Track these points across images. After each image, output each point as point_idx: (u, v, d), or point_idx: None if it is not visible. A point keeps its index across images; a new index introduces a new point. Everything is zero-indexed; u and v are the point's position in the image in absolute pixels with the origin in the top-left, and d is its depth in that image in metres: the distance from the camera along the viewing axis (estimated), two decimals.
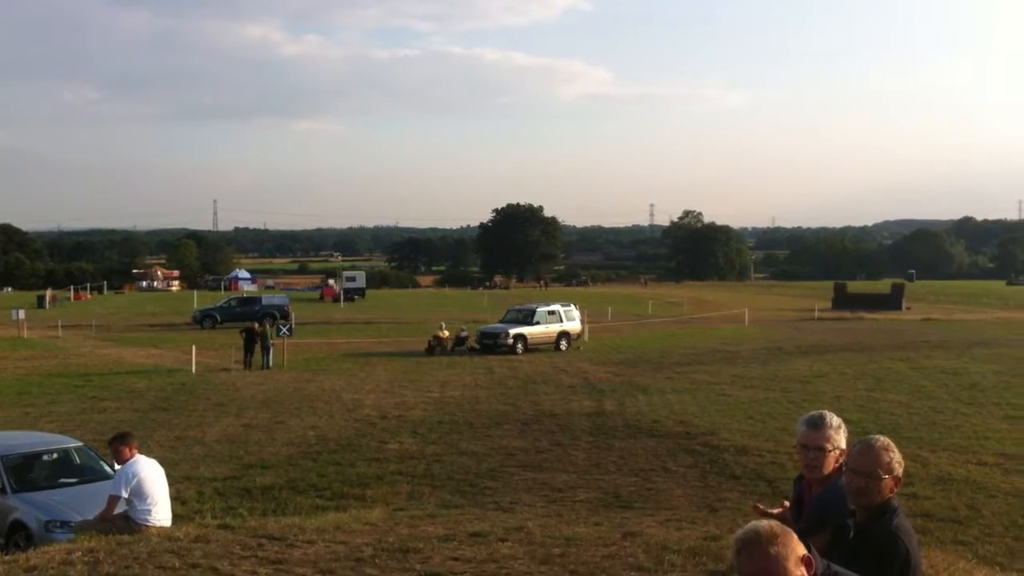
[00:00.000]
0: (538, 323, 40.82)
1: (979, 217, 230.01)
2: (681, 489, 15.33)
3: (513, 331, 39.74)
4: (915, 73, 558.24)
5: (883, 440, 4.07)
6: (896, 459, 4.01)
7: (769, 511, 4.66)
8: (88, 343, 43.83)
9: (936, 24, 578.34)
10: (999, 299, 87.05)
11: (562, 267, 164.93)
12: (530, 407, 24.24)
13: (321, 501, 14.85)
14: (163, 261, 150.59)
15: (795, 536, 2.97)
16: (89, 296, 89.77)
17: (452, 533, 10.20)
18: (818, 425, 4.55)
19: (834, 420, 4.57)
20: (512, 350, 38.79)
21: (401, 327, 53.41)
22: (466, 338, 41.21)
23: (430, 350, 39.22)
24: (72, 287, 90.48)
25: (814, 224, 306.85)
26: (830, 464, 4.49)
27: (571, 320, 42.36)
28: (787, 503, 4.93)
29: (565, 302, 45.94)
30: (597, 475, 16.43)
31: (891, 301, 73.36)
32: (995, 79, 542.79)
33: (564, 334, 41.25)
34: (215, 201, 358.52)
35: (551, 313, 41.90)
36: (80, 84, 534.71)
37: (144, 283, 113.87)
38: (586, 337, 43.72)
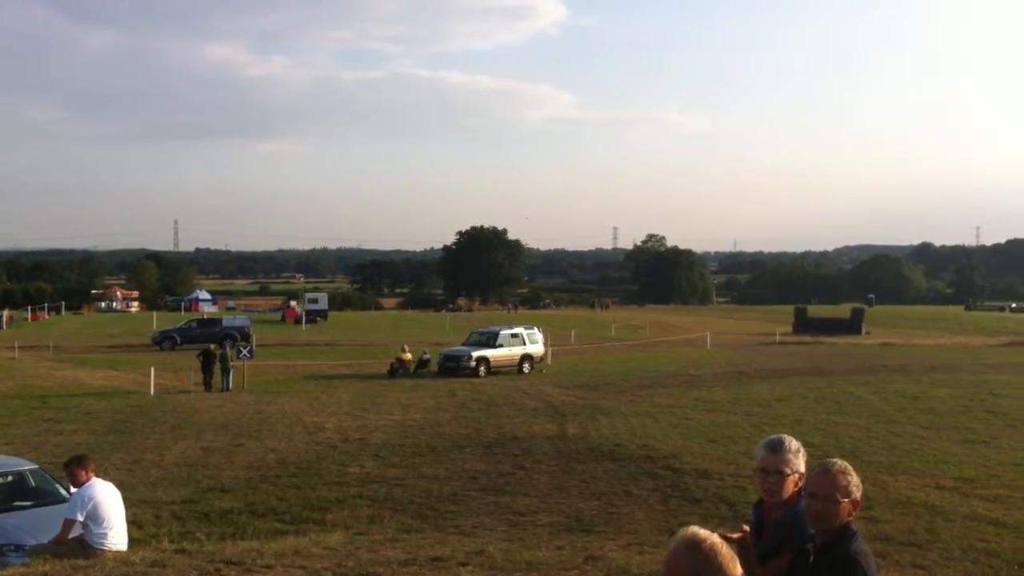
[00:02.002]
0: (501, 346, 40.79)
1: (937, 243, 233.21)
2: (643, 513, 15.33)
3: (476, 354, 39.69)
4: (874, 101, 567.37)
5: (841, 464, 4.09)
6: (854, 483, 4.03)
7: (729, 536, 4.66)
8: (45, 364, 43.23)
9: (896, 52, 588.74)
10: (957, 324, 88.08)
11: (525, 290, 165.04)
12: (493, 430, 24.17)
13: (280, 525, 14.68)
14: (123, 281, 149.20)
15: (737, 564, 2.96)
16: (47, 316, 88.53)
17: (413, 557, 10.13)
18: (777, 449, 4.57)
19: (793, 444, 4.59)
20: (475, 373, 38.73)
21: (363, 349, 53.15)
22: (428, 361, 41.11)
23: (392, 373, 39.09)
24: (29, 307, 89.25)
25: (775, 249, 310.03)
26: (789, 488, 4.51)
27: (534, 343, 42.38)
28: (747, 527, 4.93)
29: (528, 325, 45.98)
30: (559, 499, 16.39)
31: (851, 326, 74.02)
32: (954, 107, 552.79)
33: (527, 357, 41.25)
34: (176, 221, 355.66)
35: (514, 336, 41.89)
36: (43, 102, 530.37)
37: (103, 304, 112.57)
38: (549, 360, 43.72)
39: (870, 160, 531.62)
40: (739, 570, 2.96)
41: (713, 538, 2.96)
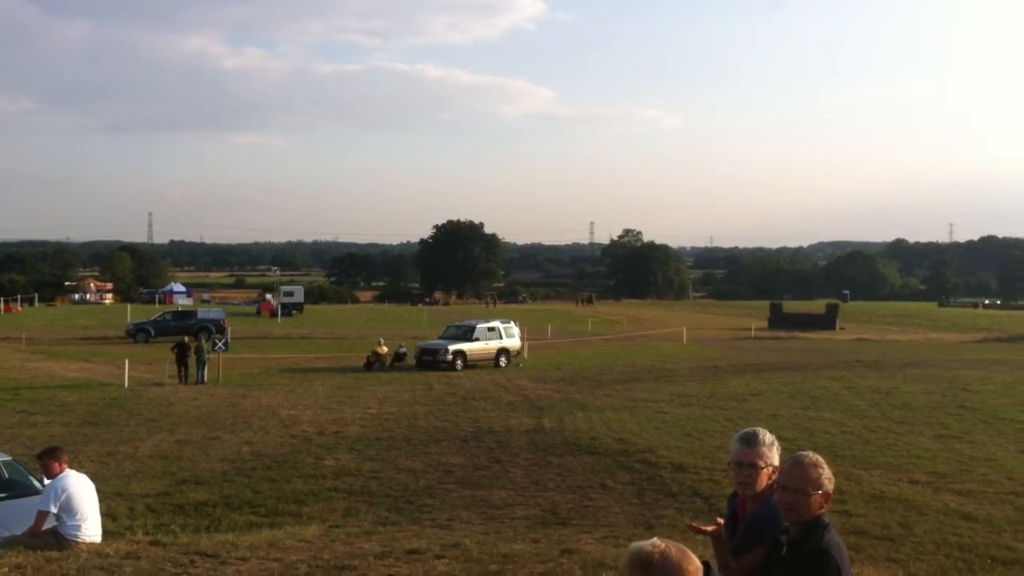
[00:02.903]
0: (478, 339, 40.79)
1: (911, 240, 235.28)
2: (619, 506, 15.37)
3: (453, 347, 39.67)
4: (850, 99, 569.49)
5: (812, 456, 4.12)
6: (826, 475, 4.06)
7: (703, 529, 4.70)
8: (18, 356, 42.88)
9: (872, 52, 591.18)
10: (930, 320, 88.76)
11: (502, 284, 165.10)
12: (469, 424, 24.18)
13: (255, 518, 14.64)
14: (96, 273, 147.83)
15: (690, 558, 2.98)
16: (20, 308, 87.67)
17: (388, 550, 10.13)
18: (751, 442, 4.60)
19: (767, 437, 4.62)
20: (451, 366, 38.71)
21: (339, 343, 53.07)
22: (405, 354, 41.06)
23: (368, 366, 39.02)
24: (2, 299, 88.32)
25: (751, 244, 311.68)
26: (763, 481, 4.54)
27: (511, 337, 42.39)
28: (721, 520, 4.97)
29: (505, 319, 45.99)
30: (535, 492, 16.42)
31: (826, 321, 74.51)
32: (929, 105, 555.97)
33: (504, 351, 41.27)
34: (150, 213, 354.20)
35: (491, 330, 41.89)
36: (16, 94, 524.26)
37: (77, 296, 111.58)
38: (526, 354, 43.78)
39: (845, 157, 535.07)
40: (695, 563, 2.98)
41: (659, 547, 2.98)
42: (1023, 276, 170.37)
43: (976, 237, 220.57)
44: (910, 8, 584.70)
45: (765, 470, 4.53)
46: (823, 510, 4.05)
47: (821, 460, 4.10)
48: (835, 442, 21.07)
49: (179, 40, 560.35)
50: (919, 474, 17.64)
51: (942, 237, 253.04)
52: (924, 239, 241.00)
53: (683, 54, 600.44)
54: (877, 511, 14.54)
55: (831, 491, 4.07)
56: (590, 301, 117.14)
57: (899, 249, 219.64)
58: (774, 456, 4.57)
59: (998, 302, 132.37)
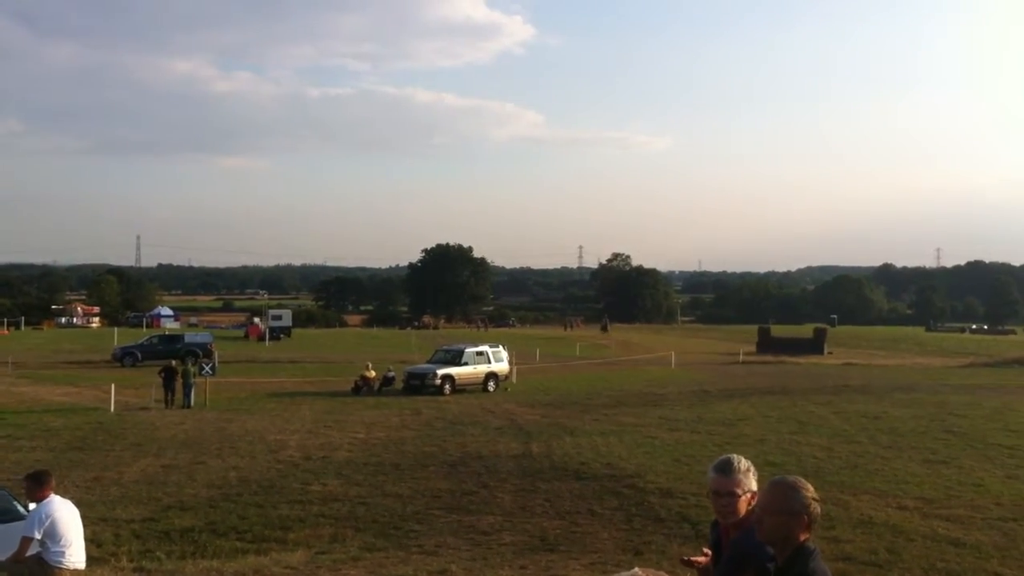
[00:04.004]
0: (466, 364, 40.73)
1: (898, 264, 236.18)
2: (607, 532, 15.31)
3: (441, 372, 39.60)
4: (838, 123, 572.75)
5: (792, 479, 4.08)
6: (807, 497, 4.00)
7: (697, 561, 4.68)
8: (3, 380, 42.61)
9: (857, 74, 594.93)
10: (918, 345, 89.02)
11: (491, 308, 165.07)
12: (457, 449, 24.10)
13: (242, 544, 14.54)
14: (83, 297, 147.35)
15: None
16: (6, 332, 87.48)
17: None
18: (726, 471, 4.58)
19: (742, 464, 4.60)
20: (439, 391, 38.63)
21: (327, 367, 52.94)
22: (393, 378, 40.97)
23: (356, 390, 38.92)
24: None
25: (739, 269, 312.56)
26: (743, 508, 4.52)
27: (499, 361, 42.35)
28: (708, 551, 4.95)
29: (493, 343, 45.97)
30: (523, 518, 16.34)
31: (813, 346, 74.63)
32: (915, 130, 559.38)
33: (492, 375, 41.22)
34: (138, 236, 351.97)
35: (479, 354, 41.86)
36: (3, 115, 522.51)
37: (63, 319, 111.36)
38: (514, 378, 43.73)
39: (832, 182, 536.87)
40: None
41: None
42: (1010, 301, 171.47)
43: (963, 262, 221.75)
44: (894, 34, 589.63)
45: (743, 497, 4.52)
46: (807, 534, 4.00)
47: (801, 482, 4.05)
48: (823, 467, 21.05)
49: (170, 63, 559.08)
50: (907, 499, 17.63)
51: (929, 262, 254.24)
52: (911, 264, 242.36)
53: (672, 78, 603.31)
54: (865, 537, 14.52)
55: (814, 513, 4.01)
56: (577, 326, 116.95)
57: (886, 274, 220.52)
58: (751, 482, 4.56)
59: (985, 327, 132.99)
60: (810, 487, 4.04)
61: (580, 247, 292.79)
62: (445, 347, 45.29)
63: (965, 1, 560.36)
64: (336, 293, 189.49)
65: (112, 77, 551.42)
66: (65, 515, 10.14)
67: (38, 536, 9.91)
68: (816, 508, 4.00)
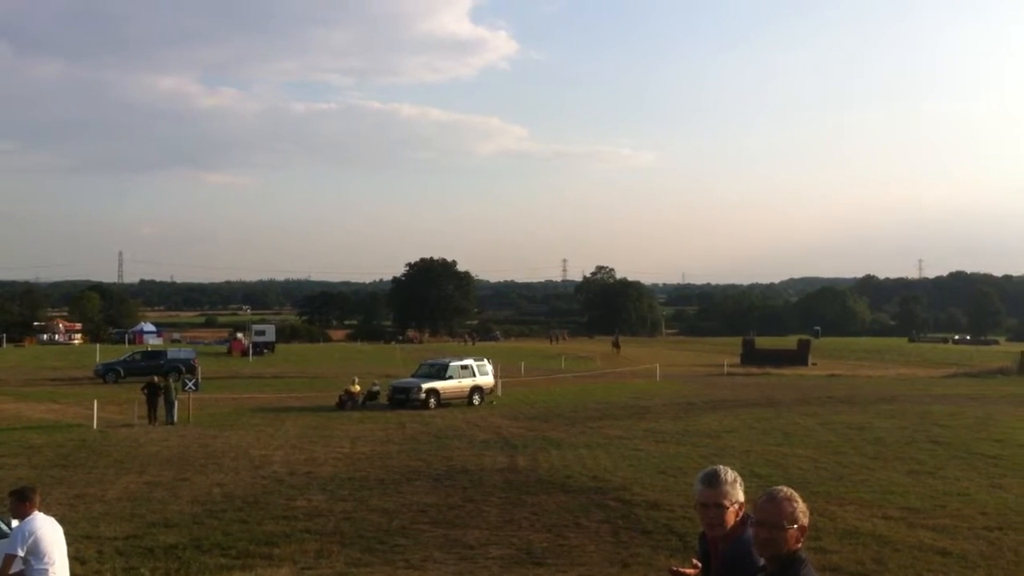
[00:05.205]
0: (451, 377, 40.65)
1: (881, 276, 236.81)
2: (593, 545, 15.28)
3: (426, 386, 39.51)
4: (819, 136, 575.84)
5: (786, 491, 4.11)
6: (800, 509, 4.04)
7: (684, 572, 4.66)
8: None
9: (838, 87, 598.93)
10: (901, 356, 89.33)
11: (475, 321, 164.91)
12: (442, 462, 24.04)
13: (226, 560, 14.44)
14: (65, 314, 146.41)
15: None
16: None
17: None
18: (713, 483, 4.57)
19: (728, 475, 4.59)
20: (424, 405, 38.53)
21: (312, 381, 52.78)
22: (378, 393, 40.85)
23: (341, 405, 38.78)
24: None
25: (723, 281, 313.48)
26: (731, 519, 4.51)
27: (484, 375, 42.28)
28: (697, 563, 4.93)
29: (478, 356, 45.89)
30: (510, 531, 16.30)
31: (798, 357, 74.76)
32: (898, 142, 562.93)
33: (477, 389, 41.14)
34: (120, 252, 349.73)
35: (464, 368, 41.78)
36: None
37: (45, 336, 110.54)
38: (499, 392, 43.66)
39: (814, 195, 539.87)
40: None
41: None
42: (992, 312, 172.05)
43: (945, 273, 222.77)
44: (878, 47, 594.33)
45: (731, 508, 4.51)
46: (799, 544, 4.03)
47: (795, 494, 4.09)
48: (809, 478, 21.09)
49: (154, 80, 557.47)
50: (892, 510, 17.67)
51: (912, 273, 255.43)
52: (894, 275, 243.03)
53: (656, 92, 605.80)
54: (851, 547, 14.54)
55: (806, 525, 4.06)
56: (561, 339, 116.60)
57: (869, 285, 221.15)
58: (738, 493, 4.55)
59: (968, 337, 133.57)
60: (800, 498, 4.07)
61: (564, 260, 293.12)
62: (430, 361, 45.20)
63: (962, 12, 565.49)
64: (320, 308, 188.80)
65: (98, 94, 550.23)
66: (49, 532, 10.03)
67: (21, 553, 9.80)
68: (808, 519, 4.04)
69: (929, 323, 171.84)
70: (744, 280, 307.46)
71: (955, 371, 66.97)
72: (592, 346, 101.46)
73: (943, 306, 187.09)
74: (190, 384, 38.71)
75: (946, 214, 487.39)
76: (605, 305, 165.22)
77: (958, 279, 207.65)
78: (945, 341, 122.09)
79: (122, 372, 53.95)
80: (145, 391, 34.62)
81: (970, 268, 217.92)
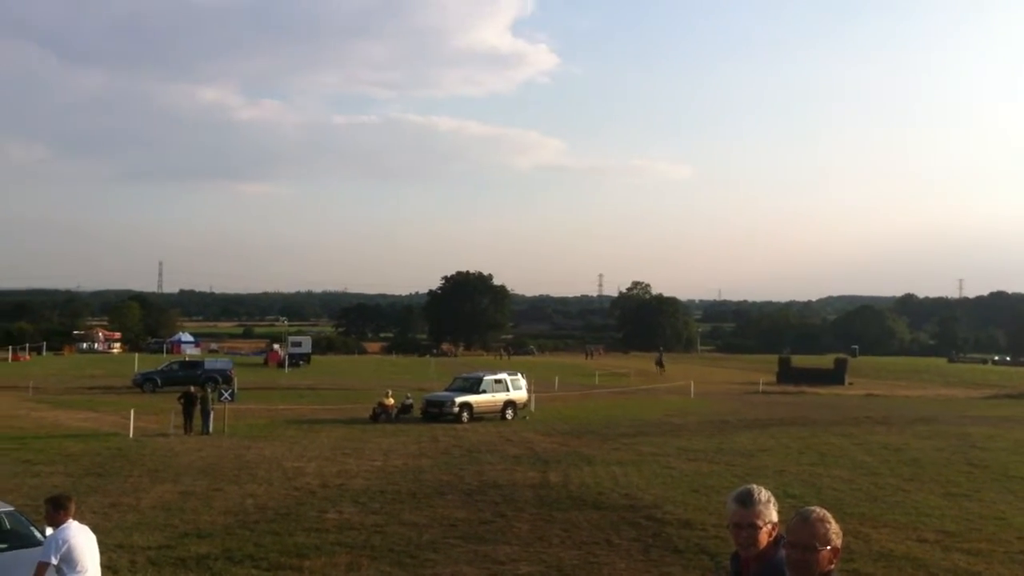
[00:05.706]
0: (484, 392, 40.67)
1: (920, 295, 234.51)
2: (624, 563, 15.20)
3: (459, 399, 39.54)
4: (858, 153, 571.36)
5: (819, 512, 4.07)
6: (833, 530, 4.01)
7: None
8: (24, 405, 42.87)
9: (876, 102, 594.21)
10: (940, 376, 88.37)
11: (510, 336, 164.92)
12: (474, 477, 24.03)
13: (257, 572, 14.50)
14: (105, 323, 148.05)
15: None
16: (28, 357, 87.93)
17: None
18: (747, 502, 4.53)
19: (762, 495, 4.55)
20: (457, 419, 38.56)
21: (346, 393, 52.98)
22: (411, 406, 40.93)
23: (375, 417, 38.90)
24: (10, 347, 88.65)
25: (760, 298, 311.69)
26: (764, 539, 4.46)
27: (518, 389, 42.26)
28: None
29: (512, 371, 45.90)
30: (540, 548, 16.25)
31: (834, 376, 74.18)
32: (938, 160, 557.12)
33: (510, 403, 41.13)
34: (161, 263, 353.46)
35: (498, 382, 41.79)
36: (30, 142, 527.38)
37: (85, 345, 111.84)
38: (532, 407, 43.61)
39: (854, 211, 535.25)
40: None
41: None
42: None
43: (986, 292, 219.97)
44: (914, 61, 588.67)
45: (764, 528, 4.46)
46: (833, 566, 4.00)
47: (828, 515, 4.07)
48: (843, 499, 20.87)
49: (196, 91, 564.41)
50: (928, 532, 17.46)
51: (951, 292, 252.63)
52: (933, 294, 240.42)
53: (693, 107, 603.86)
54: (885, 570, 14.37)
55: (839, 546, 4.04)
56: (598, 354, 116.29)
57: (908, 304, 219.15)
58: (772, 513, 4.50)
59: (1008, 358, 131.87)
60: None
61: (600, 275, 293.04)
62: (464, 375, 45.26)
63: (989, 28, 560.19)
64: (356, 320, 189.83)
65: (139, 105, 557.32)
66: (82, 541, 10.11)
67: (55, 562, 9.89)
68: (840, 540, 4.01)
69: (969, 343, 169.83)
70: (781, 297, 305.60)
71: (995, 392, 66.19)
72: (628, 362, 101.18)
73: (983, 326, 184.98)
74: (226, 395, 38.98)
75: (988, 233, 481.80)
76: (640, 321, 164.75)
77: (999, 299, 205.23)
78: (984, 362, 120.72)
79: (159, 382, 54.42)
80: (181, 401, 34.91)
81: (1011, 288, 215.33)
